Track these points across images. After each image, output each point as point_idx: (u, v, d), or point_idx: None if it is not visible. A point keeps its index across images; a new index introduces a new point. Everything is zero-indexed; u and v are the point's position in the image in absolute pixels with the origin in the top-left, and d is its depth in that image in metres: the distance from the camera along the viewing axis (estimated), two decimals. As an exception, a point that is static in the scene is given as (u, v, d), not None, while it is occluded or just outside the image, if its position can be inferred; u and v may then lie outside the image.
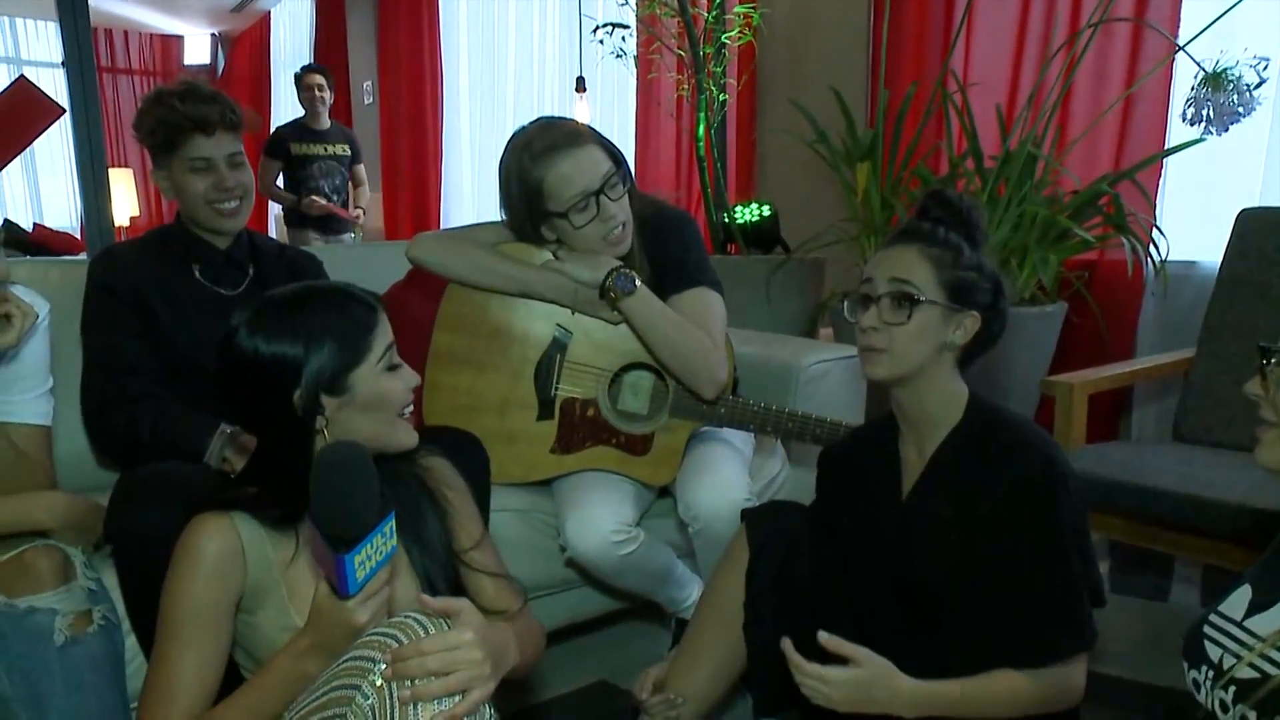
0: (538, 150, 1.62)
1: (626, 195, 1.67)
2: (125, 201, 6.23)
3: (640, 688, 1.44)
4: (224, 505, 1.11)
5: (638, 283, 1.64)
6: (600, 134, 1.68)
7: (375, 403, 1.12)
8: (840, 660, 1.18)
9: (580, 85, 3.96)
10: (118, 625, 1.31)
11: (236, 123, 1.70)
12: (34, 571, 1.23)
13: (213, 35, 7.31)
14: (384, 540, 0.98)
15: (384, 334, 1.13)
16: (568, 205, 1.62)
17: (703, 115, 3.27)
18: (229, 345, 1.10)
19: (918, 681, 1.18)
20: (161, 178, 1.71)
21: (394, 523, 1.00)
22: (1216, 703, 0.97)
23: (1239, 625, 1.00)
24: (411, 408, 1.16)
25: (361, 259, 2.17)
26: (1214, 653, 1.00)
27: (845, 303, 1.32)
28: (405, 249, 1.78)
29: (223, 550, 1.08)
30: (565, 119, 1.71)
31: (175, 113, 1.64)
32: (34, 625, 1.21)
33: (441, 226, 5.30)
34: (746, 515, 1.46)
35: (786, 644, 1.20)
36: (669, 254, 1.72)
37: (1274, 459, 0.96)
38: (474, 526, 1.28)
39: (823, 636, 1.18)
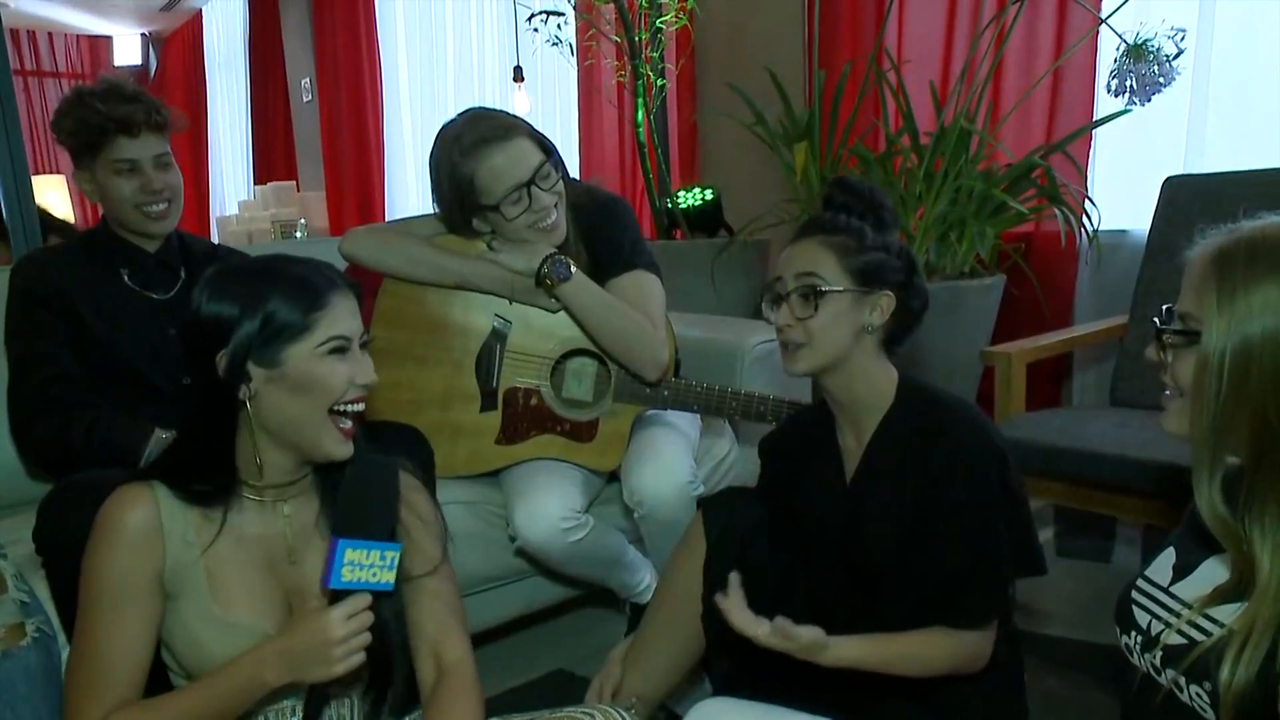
0: (467, 144, 1.61)
1: (560, 183, 1.67)
2: (58, 209, 6.06)
3: (598, 697, 1.43)
4: (146, 475, 1.08)
5: (573, 269, 1.64)
6: (530, 124, 1.67)
7: (306, 385, 1.04)
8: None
9: (518, 75, 3.93)
10: (53, 637, 1.28)
11: (162, 123, 1.66)
12: None
13: (143, 35, 7.13)
14: (382, 564, 0.98)
15: (337, 320, 1.05)
16: (500, 199, 1.61)
17: (641, 101, 3.27)
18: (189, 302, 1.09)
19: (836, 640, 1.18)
20: (85, 180, 1.66)
21: (398, 558, 1.00)
22: (1149, 666, 0.99)
23: (1165, 591, 1.02)
24: (357, 406, 1.09)
25: (307, 255, 2.12)
26: (1142, 619, 1.02)
27: (762, 302, 1.32)
28: (338, 245, 1.76)
29: (141, 523, 1.04)
30: (494, 111, 1.70)
31: (97, 113, 1.60)
32: (-40, 640, 1.18)
33: (386, 220, 5.24)
34: (703, 504, 1.46)
35: (724, 600, 1.20)
36: (605, 239, 1.72)
37: (1177, 426, 0.97)
38: (434, 551, 1.20)
39: (778, 623, 1.18)
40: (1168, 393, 0.99)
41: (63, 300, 1.63)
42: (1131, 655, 1.03)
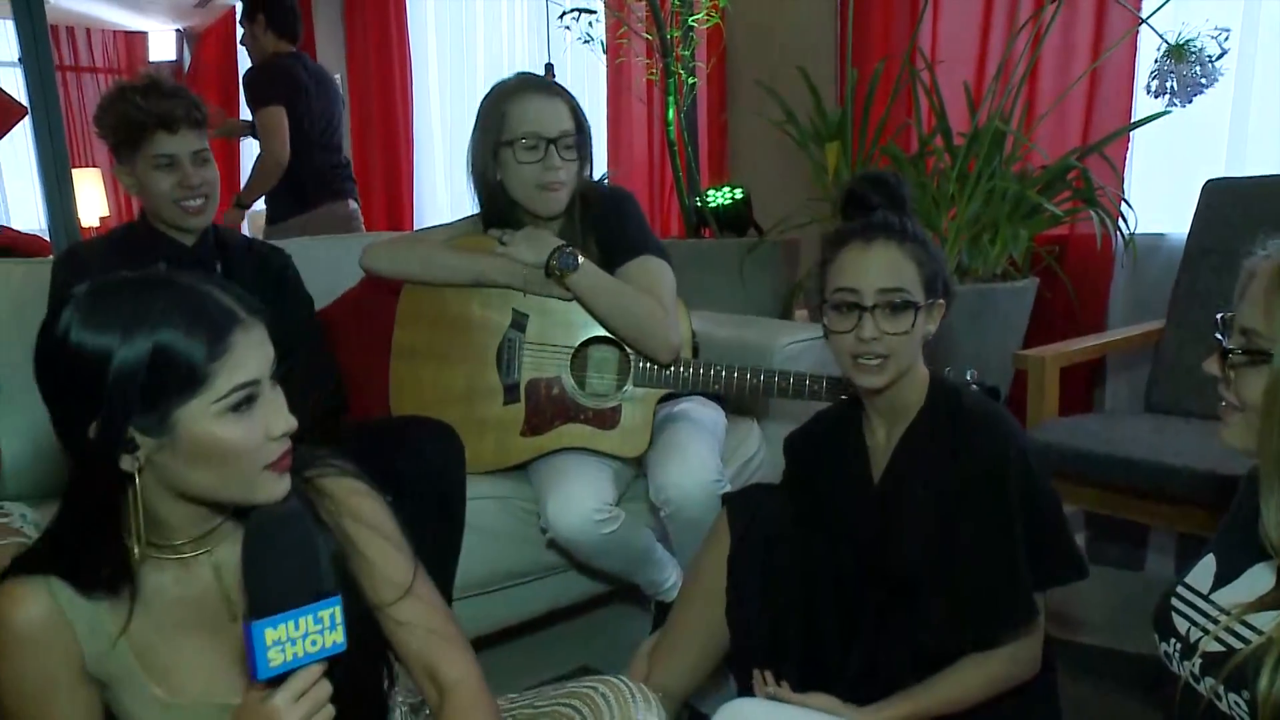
0: (511, 86, 1.72)
1: (577, 164, 1.73)
2: (94, 202, 6.15)
3: None
4: (29, 569, 0.89)
5: (580, 259, 1.68)
6: (578, 104, 1.75)
7: (204, 452, 0.84)
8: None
9: (549, 73, 3.93)
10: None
11: (201, 119, 1.69)
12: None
13: (178, 31, 7.21)
14: (319, 627, 0.81)
15: (241, 364, 0.84)
16: (517, 136, 1.68)
17: (672, 99, 3.26)
18: (47, 323, 0.84)
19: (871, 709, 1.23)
20: (125, 174, 1.69)
21: (338, 613, 0.82)
22: (1188, 674, 0.98)
23: (1205, 598, 1.01)
24: (281, 456, 0.89)
25: (333, 254, 2.15)
26: (1181, 626, 1.01)
27: (825, 314, 1.27)
28: (358, 258, 1.81)
29: (38, 619, 0.87)
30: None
31: (138, 109, 1.63)
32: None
33: (415, 218, 5.28)
34: (728, 500, 1.47)
35: (759, 680, 1.30)
36: (612, 229, 1.76)
37: (1238, 440, 0.96)
38: (399, 569, 1.00)
39: (770, 690, 1.26)
40: (1225, 404, 0.97)
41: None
42: (1170, 663, 1.01)
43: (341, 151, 3.44)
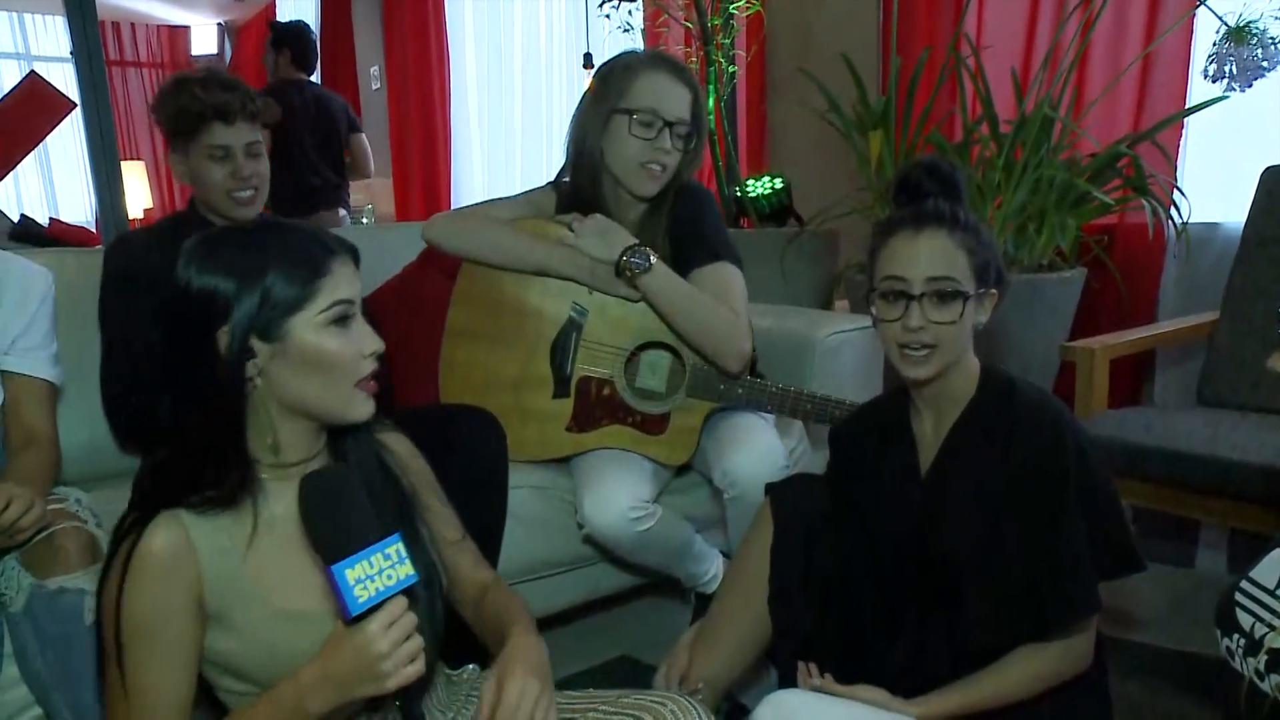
0: (645, 58, 1.70)
1: (684, 156, 1.70)
2: (138, 194, 6.26)
3: (665, 684, 1.43)
4: (156, 506, 0.98)
5: (653, 260, 1.63)
6: (702, 101, 1.73)
7: (310, 359, 0.98)
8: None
9: (588, 62, 3.93)
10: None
11: (255, 112, 1.71)
12: (63, 553, 1.25)
13: (219, 25, 7.30)
14: (390, 563, 0.89)
15: (339, 285, 0.99)
16: (636, 108, 1.64)
17: (712, 88, 3.24)
18: (170, 277, 0.98)
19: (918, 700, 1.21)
20: (179, 163, 1.72)
21: (401, 548, 0.91)
22: (1252, 671, 0.95)
23: (1271, 594, 0.98)
24: (369, 377, 1.03)
25: (374, 241, 2.17)
26: (1246, 621, 0.99)
27: (873, 302, 1.25)
28: (421, 230, 1.78)
29: (169, 547, 0.96)
30: None
31: (196, 100, 1.65)
32: (65, 604, 1.24)
33: (452, 207, 5.29)
34: (771, 490, 1.45)
35: (804, 672, 1.28)
36: (690, 228, 1.71)
37: None
38: (445, 509, 1.20)
39: (815, 682, 1.26)
40: None
41: (153, 280, 1.66)
42: (1233, 659, 0.99)
43: (343, 166, 3.94)
